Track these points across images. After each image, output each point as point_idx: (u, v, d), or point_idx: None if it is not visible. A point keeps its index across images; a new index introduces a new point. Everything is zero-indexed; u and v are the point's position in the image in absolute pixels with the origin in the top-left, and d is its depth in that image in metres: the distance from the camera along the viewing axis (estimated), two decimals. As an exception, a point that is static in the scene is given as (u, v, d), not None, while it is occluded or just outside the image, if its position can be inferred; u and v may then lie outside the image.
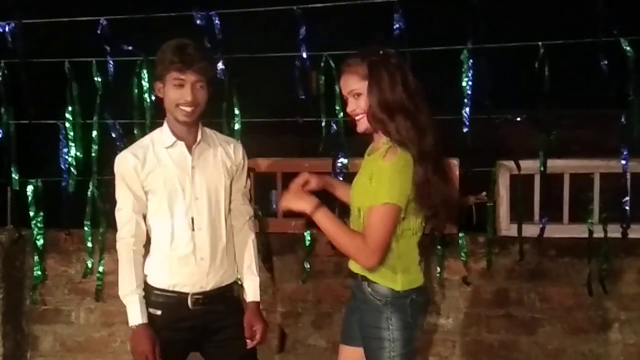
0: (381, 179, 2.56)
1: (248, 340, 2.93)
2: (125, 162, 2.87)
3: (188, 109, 2.78)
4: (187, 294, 2.85)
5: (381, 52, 2.64)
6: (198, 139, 2.89)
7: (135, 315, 2.81)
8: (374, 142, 2.75)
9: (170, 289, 2.85)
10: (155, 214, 2.86)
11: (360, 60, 2.64)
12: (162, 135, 2.90)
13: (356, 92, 2.65)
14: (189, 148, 2.87)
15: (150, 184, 2.85)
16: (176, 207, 2.84)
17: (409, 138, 2.55)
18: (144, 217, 2.89)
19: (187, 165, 2.87)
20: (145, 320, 2.80)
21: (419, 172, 2.56)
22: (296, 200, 2.71)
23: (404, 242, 2.68)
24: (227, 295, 2.97)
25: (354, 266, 2.75)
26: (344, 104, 2.82)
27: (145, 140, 2.94)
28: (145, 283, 2.90)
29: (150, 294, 2.87)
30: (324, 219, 2.65)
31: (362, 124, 2.68)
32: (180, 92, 2.77)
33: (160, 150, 2.87)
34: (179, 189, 2.84)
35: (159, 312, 2.85)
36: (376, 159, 2.63)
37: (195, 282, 2.86)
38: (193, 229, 2.85)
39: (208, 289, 2.87)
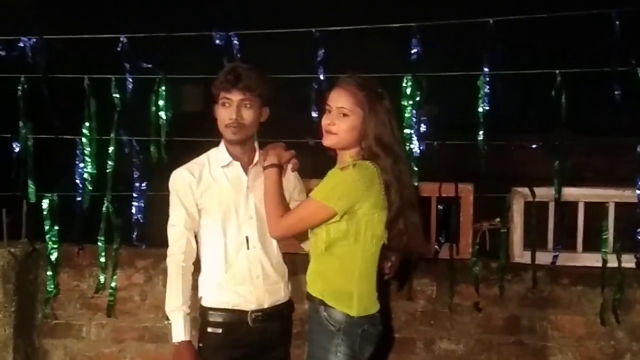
0: (328, 181, 2.76)
1: None
2: (180, 179, 2.92)
3: (235, 127, 2.82)
4: (247, 312, 2.90)
5: (379, 90, 2.76)
6: (255, 160, 2.94)
7: (179, 332, 2.85)
8: (339, 158, 2.84)
9: (230, 307, 2.90)
10: (209, 233, 2.91)
11: (359, 87, 2.74)
12: (218, 154, 2.95)
13: (345, 112, 2.74)
14: (245, 168, 2.91)
15: (205, 202, 2.89)
16: (229, 226, 2.89)
17: (397, 183, 2.73)
18: (195, 235, 2.94)
19: (243, 185, 2.92)
20: (188, 338, 2.86)
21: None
22: (273, 153, 2.92)
23: (364, 264, 2.81)
24: (284, 313, 3.03)
25: (312, 289, 2.86)
26: (321, 113, 2.90)
27: (202, 158, 2.98)
28: (201, 305, 2.95)
29: (207, 315, 2.92)
30: (271, 179, 2.87)
31: (332, 140, 2.79)
32: (227, 111, 2.83)
33: (216, 169, 2.92)
34: (233, 208, 2.89)
35: (219, 331, 2.91)
36: (336, 168, 2.80)
37: (253, 300, 2.91)
38: (248, 248, 2.88)
39: (266, 307, 2.93)
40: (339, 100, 2.75)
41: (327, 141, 2.80)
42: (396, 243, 2.84)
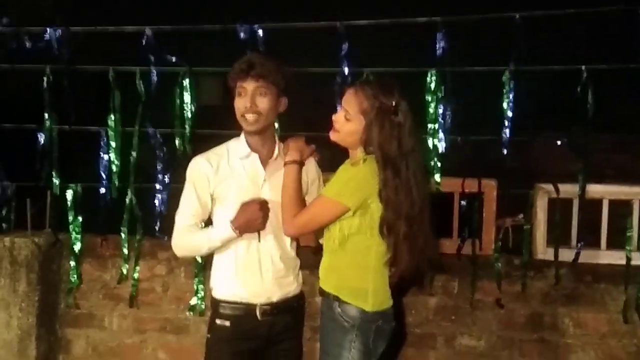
0: (340, 176, 2.79)
1: None
2: (198, 168, 2.93)
3: (250, 116, 2.82)
4: (255, 305, 2.90)
5: (394, 102, 2.73)
6: (275, 154, 2.94)
7: (224, 227, 2.87)
8: (350, 153, 2.88)
9: (239, 300, 2.91)
10: (222, 223, 2.90)
11: (371, 96, 2.74)
12: (238, 145, 2.96)
13: (348, 116, 2.78)
14: (263, 161, 2.92)
15: (220, 192, 2.91)
16: None
17: (395, 197, 2.72)
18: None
19: (259, 178, 2.92)
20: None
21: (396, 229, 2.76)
22: (295, 148, 2.93)
23: (378, 259, 2.82)
24: (294, 306, 3.03)
25: (325, 285, 2.88)
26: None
27: (222, 148, 2.99)
28: (212, 297, 2.98)
29: (218, 306, 2.94)
30: (291, 177, 2.88)
31: (334, 136, 2.85)
32: (242, 100, 2.84)
33: (235, 160, 2.93)
34: (248, 200, 2.88)
35: (227, 324, 2.91)
36: (346, 164, 2.84)
37: (262, 294, 2.91)
38: (259, 241, 2.89)
39: (275, 300, 2.93)
40: (347, 102, 2.79)
41: (331, 136, 2.87)
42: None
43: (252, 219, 2.84)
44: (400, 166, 2.73)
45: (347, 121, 2.78)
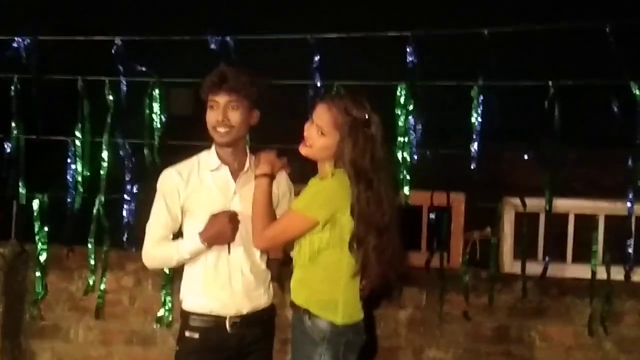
0: (309, 190, 2.80)
1: None
2: (169, 180, 2.91)
3: (222, 129, 2.82)
4: (225, 317, 2.88)
5: (366, 116, 2.75)
6: (246, 167, 2.93)
7: (193, 240, 2.85)
8: (319, 167, 2.88)
9: (208, 312, 2.89)
10: (192, 235, 2.88)
11: (344, 111, 2.74)
12: (208, 157, 2.94)
13: (322, 131, 2.77)
14: (234, 174, 2.91)
15: (190, 204, 2.89)
16: None
17: (367, 209, 2.72)
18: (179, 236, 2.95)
19: (230, 190, 2.90)
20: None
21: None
22: (266, 161, 2.91)
23: (349, 272, 2.81)
24: (264, 319, 3.01)
25: (296, 298, 2.88)
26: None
27: (193, 160, 2.97)
28: (182, 308, 2.95)
29: (187, 318, 2.91)
30: (261, 190, 2.87)
31: (305, 151, 2.83)
32: (214, 113, 2.83)
33: (205, 172, 2.91)
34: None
35: (196, 336, 2.89)
36: (315, 178, 2.85)
37: (231, 306, 2.89)
38: (229, 253, 2.88)
39: (245, 312, 2.91)
40: (320, 118, 2.78)
41: (302, 150, 2.85)
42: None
43: (221, 231, 2.83)
44: (372, 178, 2.73)
45: (321, 136, 2.77)
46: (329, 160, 2.81)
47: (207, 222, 2.84)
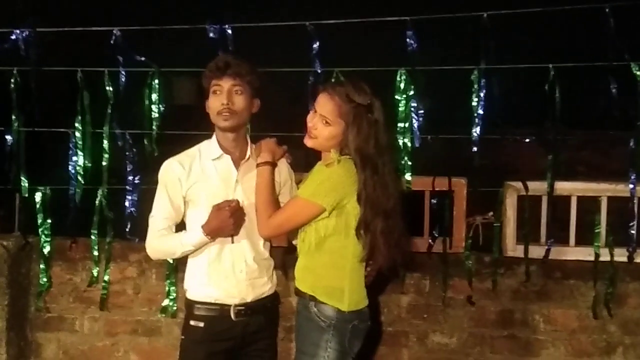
0: (315, 177, 2.81)
1: None
2: (170, 170, 2.92)
3: (226, 113, 2.81)
4: (230, 305, 2.90)
5: (369, 101, 2.75)
6: (247, 155, 2.94)
7: (196, 232, 2.86)
8: (323, 155, 2.88)
9: (213, 301, 2.90)
10: (195, 225, 2.89)
11: (347, 98, 2.74)
12: (210, 146, 2.95)
13: (327, 120, 2.77)
14: (236, 162, 2.91)
15: (193, 194, 2.90)
16: None
17: (373, 193, 2.74)
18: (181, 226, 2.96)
19: (232, 179, 2.91)
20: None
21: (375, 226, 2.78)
22: (267, 149, 2.93)
23: (354, 259, 2.83)
24: (268, 307, 3.03)
25: (301, 285, 2.89)
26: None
27: (194, 150, 2.98)
28: (186, 298, 2.97)
29: (192, 307, 2.93)
30: (264, 178, 2.88)
31: (311, 142, 2.83)
32: (218, 98, 2.84)
33: (207, 161, 2.92)
34: (220, 202, 2.86)
35: (201, 324, 2.91)
36: (320, 165, 2.85)
37: (236, 294, 2.91)
38: (232, 242, 2.88)
39: (249, 301, 2.93)
40: (324, 108, 2.78)
41: (308, 142, 2.85)
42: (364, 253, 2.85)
43: (224, 224, 2.83)
44: (377, 163, 2.75)
45: (327, 126, 2.77)
46: (334, 148, 2.81)
47: (210, 214, 2.84)
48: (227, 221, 2.82)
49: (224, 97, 2.82)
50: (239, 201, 2.87)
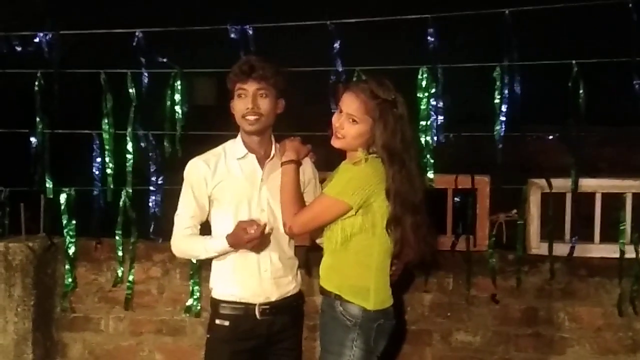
0: (342, 176, 2.80)
1: None
2: (196, 170, 2.94)
3: (251, 117, 2.83)
4: (255, 304, 2.91)
5: (393, 96, 2.76)
6: (271, 154, 2.95)
7: (221, 242, 2.87)
8: (349, 153, 2.88)
9: (238, 300, 2.92)
10: (220, 224, 2.92)
11: (372, 95, 2.75)
12: (234, 146, 2.96)
13: (355, 118, 2.77)
14: (261, 161, 2.92)
15: (218, 193, 2.91)
16: (240, 218, 2.88)
17: (402, 188, 2.74)
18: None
19: (257, 178, 2.93)
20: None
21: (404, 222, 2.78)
22: (291, 148, 2.93)
23: (380, 258, 2.83)
24: (293, 306, 3.04)
25: (326, 284, 2.89)
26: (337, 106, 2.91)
27: (219, 149, 3.00)
28: (212, 297, 2.99)
29: (217, 306, 2.95)
30: (289, 176, 2.88)
31: (339, 143, 2.83)
32: (243, 102, 2.85)
33: (232, 161, 2.93)
34: (246, 201, 2.90)
35: (226, 323, 2.93)
36: (347, 163, 2.85)
37: (260, 293, 2.92)
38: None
39: (274, 300, 2.93)
40: (350, 106, 2.78)
41: (335, 143, 2.85)
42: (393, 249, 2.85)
43: (248, 244, 2.82)
44: (404, 158, 2.76)
45: (354, 124, 2.77)
46: (361, 147, 2.81)
47: (235, 229, 2.83)
48: (252, 242, 2.81)
49: (249, 101, 2.83)
50: (266, 224, 2.83)
